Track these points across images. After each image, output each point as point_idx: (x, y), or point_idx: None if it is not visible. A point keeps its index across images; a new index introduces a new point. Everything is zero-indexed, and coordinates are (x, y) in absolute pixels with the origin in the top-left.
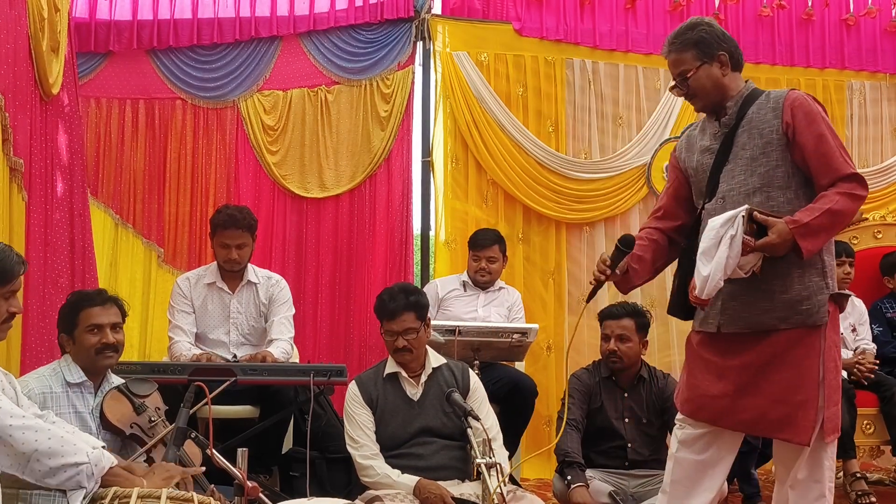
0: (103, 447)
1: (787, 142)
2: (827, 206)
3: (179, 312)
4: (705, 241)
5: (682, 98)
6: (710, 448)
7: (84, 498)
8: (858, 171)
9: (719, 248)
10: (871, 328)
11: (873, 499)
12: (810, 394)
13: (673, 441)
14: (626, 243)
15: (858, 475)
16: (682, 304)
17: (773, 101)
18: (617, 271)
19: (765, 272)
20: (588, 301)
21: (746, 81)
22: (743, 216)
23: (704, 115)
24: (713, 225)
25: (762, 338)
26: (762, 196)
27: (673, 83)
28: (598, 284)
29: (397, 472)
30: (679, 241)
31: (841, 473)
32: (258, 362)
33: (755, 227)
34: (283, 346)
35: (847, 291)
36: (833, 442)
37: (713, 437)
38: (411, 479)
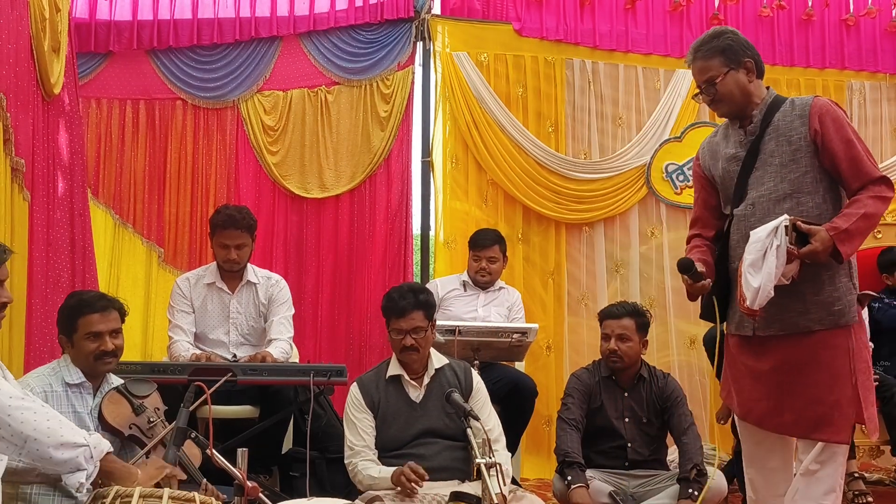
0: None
1: (816, 149)
2: (861, 210)
3: (179, 312)
4: (751, 252)
5: (707, 104)
6: (774, 455)
7: (86, 480)
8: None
9: (766, 259)
10: (872, 306)
11: (870, 499)
12: (844, 393)
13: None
14: (686, 267)
15: (856, 475)
16: (712, 308)
17: (799, 108)
18: (706, 281)
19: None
20: (715, 316)
21: (768, 88)
22: (786, 226)
23: (722, 124)
24: (757, 237)
25: (794, 340)
26: (792, 202)
27: (697, 91)
28: (707, 297)
29: (379, 468)
30: (717, 247)
31: None
32: (258, 363)
33: (795, 236)
34: (282, 346)
35: (870, 292)
36: (847, 442)
37: (773, 444)
38: (389, 471)
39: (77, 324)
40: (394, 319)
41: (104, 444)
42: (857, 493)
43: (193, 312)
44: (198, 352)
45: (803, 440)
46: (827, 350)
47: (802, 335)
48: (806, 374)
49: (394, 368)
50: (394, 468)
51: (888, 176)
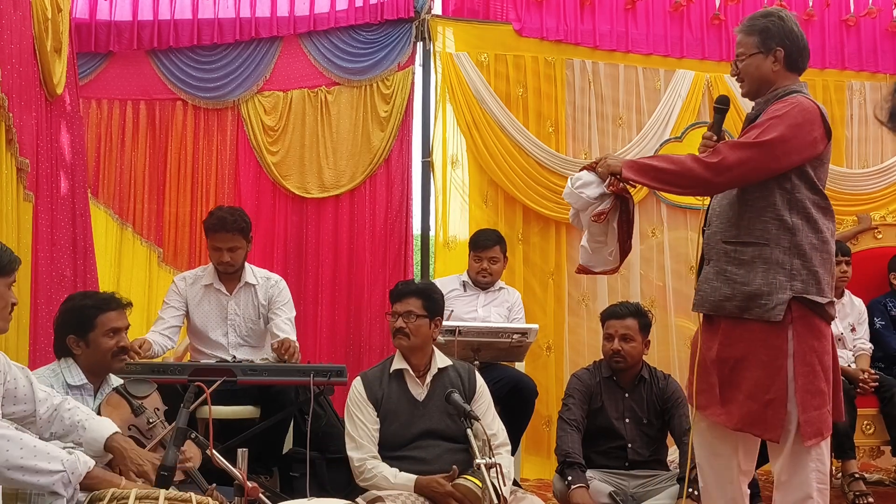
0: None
1: None
2: (666, 156)
3: (167, 307)
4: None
5: (734, 77)
6: (736, 451)
7: None
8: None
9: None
10: (874, 320)
11: (871, 499)
12: (779, 393)
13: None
14: (722, 101)
15: (857, 476)
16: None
17: (781, 98)
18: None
19: (730, 259)
20: None
21: (796, 83)
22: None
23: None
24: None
25: (732, 331)
26: None
27: (734, 60)
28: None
29: (395, 471)
30: None
31: (840, 474)
32: (285, 351)
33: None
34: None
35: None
36: (818, 445)
37: (730, 440)
38: (409, 479)
39: (96, 321)
40: (393, 304)
41: (82, 466)
42: (857, 493)
43: (186, 310)
44: (147, 337)
45: (771, 454)
46: (766, 349)
47: (737, 325)
48: (745, 369)
49: (398, 363)
50: (414, 476)
51: (728, 159)
